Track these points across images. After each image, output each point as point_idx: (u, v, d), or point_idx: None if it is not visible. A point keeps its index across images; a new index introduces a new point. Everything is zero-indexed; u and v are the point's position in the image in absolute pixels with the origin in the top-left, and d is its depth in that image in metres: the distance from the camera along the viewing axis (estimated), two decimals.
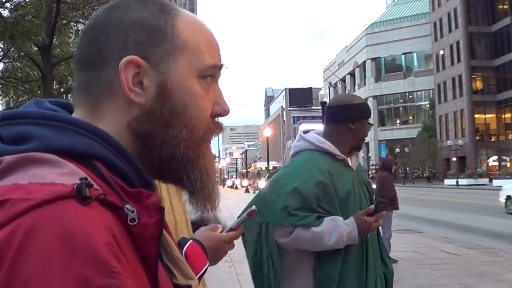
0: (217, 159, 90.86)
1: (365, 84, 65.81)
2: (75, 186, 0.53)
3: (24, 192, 0.52)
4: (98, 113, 0.68)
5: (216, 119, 0.74)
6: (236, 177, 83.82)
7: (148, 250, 0.58)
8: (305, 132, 2.37)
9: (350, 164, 2.26)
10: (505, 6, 49.33)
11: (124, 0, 0.70)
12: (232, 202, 15.36)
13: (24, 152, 0.58)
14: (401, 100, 65.06)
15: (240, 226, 1.39)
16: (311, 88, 70.18)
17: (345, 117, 2.24)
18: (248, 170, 64.41)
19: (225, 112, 0.74)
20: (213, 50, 0.73)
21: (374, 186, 8.15)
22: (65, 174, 0.55)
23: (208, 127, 0.72)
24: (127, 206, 0.57)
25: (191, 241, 1.17)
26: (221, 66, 0.75)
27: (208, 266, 1.26)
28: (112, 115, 0.68)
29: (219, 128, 0.75)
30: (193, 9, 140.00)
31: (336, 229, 2.05)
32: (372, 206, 2.12)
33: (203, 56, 0.71)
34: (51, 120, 0.62)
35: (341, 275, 2.08)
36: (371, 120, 2.37)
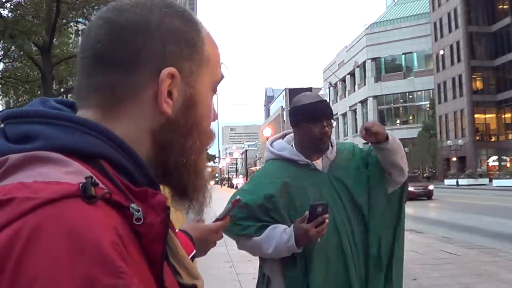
0: (217, 159, 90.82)
1: (365, 84, 65.78)
2: (80, 185, 0.53)
3: (30, 191, 0.52)
4: (116, 115, 0.66)
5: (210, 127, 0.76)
6: (236, 176, 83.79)
7: (154, 250, 0.58)
8: (273, 141, 2.37)
9: (316, 166, 2.21)
10: (505, 6, 49.33)
11: (154, 2, 0.69)
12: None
13: (30, 151, 0.57)
14: (401, 100, 65.04)
15: (226, 216, 1.46)
16: (311, 88, 69.85)
17: (292, 120, 2.26)
18: (248, 170, 64.37)
19: (215, 119, 0.77)
20: (220, 63, 0.76)
21: None
22: (71, 173, 0.55)
23: (211, 135, 0.75)
24: (132, 205, 0.57)
25: (177, 230, 1.20)
26: (223, 77, 0.78)
27: (197, 256, 1.35)
28: (132, 119, 0.67)
29: (214, 136, 0.77)
30: (193, 9, 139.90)
31: (275, 238, 2.04)
32: (306, 213, 1.94)
33: (218, 69, 0.74)
34: (57, 119, 0.62)
35: (311, 279, 2.05)
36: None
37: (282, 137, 2.39)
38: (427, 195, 26.92)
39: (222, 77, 0.76)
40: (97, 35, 0.67)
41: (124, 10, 0.68)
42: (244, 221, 2.08)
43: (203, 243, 1.37)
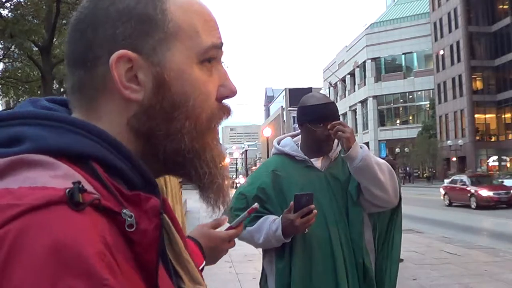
0: None
1: (365, 84, 65.76)
2: (67, 191, 0.50)
3: (14, 197, 0.49)
4: (95, 114, 0.64)
5: (223, 102, 0.69)
6: (236, 176, 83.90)
7: (147, 258, 0.55)
8: (282, 138, 2.45)
9: (314, 164, 2.23)
10: (505, 6, 49.29)
11: None
12: None
13: (16, 154, 0.55)
14: (401, 100, 65.01)
15: (240, 224, 1.35)
16: (311, 88, 70.07)
17: (298, 120, 2.31)
18: (248, 170, 64.39)
19: (232, 92, 0.69)
20: (211, 29, 0.67)
21: None
22: (58, 177, 0.52)
23: (213, 114, 0.67)
24: (124, 211, 0.53)
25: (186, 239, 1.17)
26: (221, 44, 0.69)
27: (207, 265, 1.23)
28: (110, 115, 0.63)
29: (227, 111, 0.70)
30: None
31: (264, 228, 2.09)
32: (292, 203, 1.99)
33: (200, 38, 0.66)
34: (45, 120, 0.59)
35: (294, 268, 2.09)
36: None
37: (293, 136, 2.44)
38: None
39: (215, 44, 0.67)
40: (67, 37, 0.67)
41: (82, 6, 0.66)
42: (241, 211, 2.10)
43: (213, 252, 1.27)
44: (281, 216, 2.07)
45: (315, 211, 2.00)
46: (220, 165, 0.69)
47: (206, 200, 0.69)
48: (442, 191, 24.36)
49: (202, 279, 0.77)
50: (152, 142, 0.64)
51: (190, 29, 0.65)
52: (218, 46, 0.68)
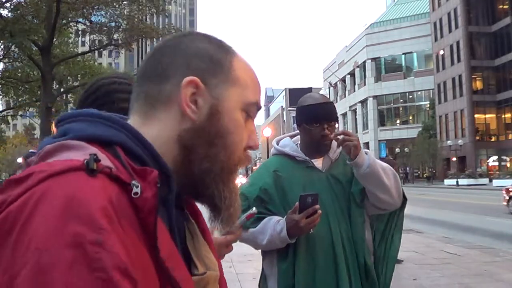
0: None
1: (365, 84, 65.78)
2: (85, 160, 0.63)
3: (45, 166, 0.64)
4: (151, 120, 0.78)
5: (246, 151, 0.83)
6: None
7: (148, 221, 0.65)
8: (281, 139, 2.44)
9: (315, 165, 2.23)
10: (505, 6, 49.33)
11: (193, 31, 0.85)
12: None
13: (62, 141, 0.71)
14: (401, 100, 65.03)
15: (239, 229, 1.36)
16: (311, 88, 70.15)
17: (296, 120, 2.31)
18: (248, 169, 64.41)
19: (256, 146, 0.84)
20: (256, 91, 0.84)
21: None
22: (86, 155, 0.65)
23: (241, 158, 0.81)
24: (133, 182, 0.65)
25: None
26: (260, 107, 0.85)
27: None
28: (163, 123, 0.77)
29: (248, 160, 0.84)
30: (193, 9, 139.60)
31: (268, 229, 2.07)
32: (297, 203, 1.99)
33: (248, 92, 0.82)
34: (85, 116, 0.75)
35: (298, 269, 2.08)
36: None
37: (292, 136, 2.43)
38: None
39: (256, 103, 0.83)
40: (146, 57, 0.83)
41: (168, 39, 0.84)
42: (242, 212, 2.09)
43: None
44: (285, 216, 2.05)
45: (320, 211, 2.00)
46: (236, 195, 0.82)
47: (221, 220, 0.81)
48: (505, 195, 17.80)
49: (219, 270, 0.87)
50: (191, 156, 0.77)
51: (243, 83, 0.81)
52: (257, 105, 0.84)
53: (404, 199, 2.27)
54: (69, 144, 0.69)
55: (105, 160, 0.66)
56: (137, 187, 0.65)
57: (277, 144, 2.39)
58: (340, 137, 2.06)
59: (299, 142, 2.34)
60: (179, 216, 0.78)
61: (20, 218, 0.58)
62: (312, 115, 2.19)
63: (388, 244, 2.27)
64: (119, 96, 1.31)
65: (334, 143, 2.27)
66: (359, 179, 2.13)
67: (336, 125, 2.24)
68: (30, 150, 1.47)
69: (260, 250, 2.29)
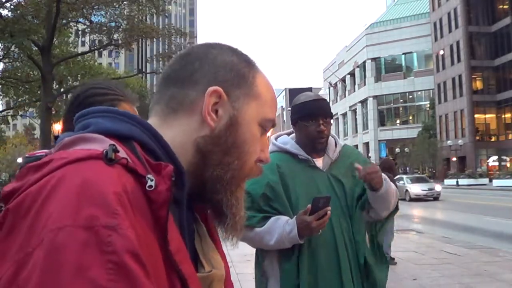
0: None
1: (365, 84, 65.77)
2: (104, 150, 0.66)
3: (65, 154, 0.67)
4: (170, 122, 0.81)
5: (257, 164, 0.86)
6: None
7: (160, 214, 0.67)
8: (278, 136, 2.44)
9: (316, 164, 2.24)
10: (505, 6, 49.30)
11: (220, 43, 0.87)
12: None
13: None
14: (401, 100, 65.00)
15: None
16: (311, 88, 70.08)
17: (291, 119, 2.32)
18: None
19: (266, 160, 0.87)
20: (274, 109, 0.88)
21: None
22: (104, 146, 0.68)
23: (252, 168, 0.85)
24: (148, 175, 0.67)
25: None
26: (275, 124, 0.89)
27: None
28: (183, 127, 0.80)
29: (258, 172, 0.88)
30: (193, 9, 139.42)
31: (277, 229, 2.06)
32: (309, 206, 2.00)
33: (266, 108, 0.86)
34: (105, 112, 0.78)
35: (302, 269, 2.08)
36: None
37: (288, 134, 2.42)
38: None
39: (272, 120, 0.87)
40: (170, 65, 0.86)
41: (193, 46, 0.87)
42: (247, 211, 2.08)
43: None
44: (294, 217, 2.05)
45: (330, 213, 2.01)
46: (242, 204, 0.86)
47: (226, 228, 0.85)
48: None
49: (225, 270, 0.89)
50: (206, 162, 0.80)
51: (263, 99, 0.85)
52: (272, 121, 0.88)
53: (396, 209, 2.32)
54: (87, 137, 0.71)
55: (122, 153, 0.68)
56: (151, 180, 0.67)
57: (275, 140, 2.37)
58: (369, 177, 2.08)
59: (294, 140, 2.33)
60: (188, 217, 0.79)
61: (38, 199, 0.61)
62: (307, 111, 2.20)
63: (375, 243, 2.30)
64: (97, 99, 1.42)
65: (331, 141, 2.28)
66: (370, 200, 2.17)
67: (332, 121, 2.26)
68: (26, 155, 1.50)
69: (254, 251, 2.28)
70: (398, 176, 27.25)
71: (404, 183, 26.33)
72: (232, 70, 0.83)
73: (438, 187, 26.73)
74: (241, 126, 0.81)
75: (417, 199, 25.15)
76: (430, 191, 25.92)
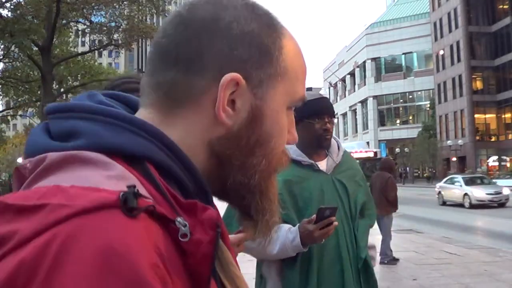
0: None
1: (365, 84, 65.76)
2: (121, 194, 0.47)
3: (65, 197, 0.46)
4: (174, 118, 0.61)
5: (284, 151, 0.67)
6: None
7: (200, 270, 0.51)
8: None
9: (320, 167, 2.22)
10: (505, 6, 49.29)
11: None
12: None
13: (71, 149, 0.53)
14: (401, 100, 65.01)
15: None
16: (311, 88, 69.99)
17: (294, 117, 2.30)
18: None
19: (294, 140, 0.69)
20: (304, 81, 0.67)
21: (368, 184, 8.18)
22: (112, 178, 0.50)
23: (281, 158, 0.66)
24: (178, 219, 0.50)
25: None
26: (305, 100, 0.69)
27: None
28: (189, 126, 0.60)
29: (286, 161, 0.68)
30: None
31: (280, 237, 2.03)
32: (314, 216, 1.96)
33: (297, 86, 0.65)
34: (102, 116, 0.56)
35: (308, 279, 2.06)
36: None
37: None
38: None
39: (302, 97, 0.67)
40: (165, 29, 0.62)
41: (195, 5, 0.62)
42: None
43: None
44: (297, 225, 2.03)
45: (336, 223, 1.98)
46: (276, 202, 0.67)
47: (257, 232, 0.67)
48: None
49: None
50: (224, 168, 0.62)
51: (293, 75, 0.64)
52: (303, 99, 0.67)
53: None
54: (84, 157, 0.52)
55: (142, 190, 0.50)
56: (184, 226, 0.50)
57: None
58: None
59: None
60: None
61: (38, 273, 0.42)
62: (314, 109, 2.19)
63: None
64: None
65: (334, 143, 2.28)
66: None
67: (335, 121, 2.26)
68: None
69: None
70: (450, 176, 24.64)
71: (461, 185, 21.77)
72: (252, 45, 0.61)
73: (506, 190, 21.04)
74: (267, 118, 0.62)
75: (480, 205, 20.14)
76: (497, 195, 20.66)
